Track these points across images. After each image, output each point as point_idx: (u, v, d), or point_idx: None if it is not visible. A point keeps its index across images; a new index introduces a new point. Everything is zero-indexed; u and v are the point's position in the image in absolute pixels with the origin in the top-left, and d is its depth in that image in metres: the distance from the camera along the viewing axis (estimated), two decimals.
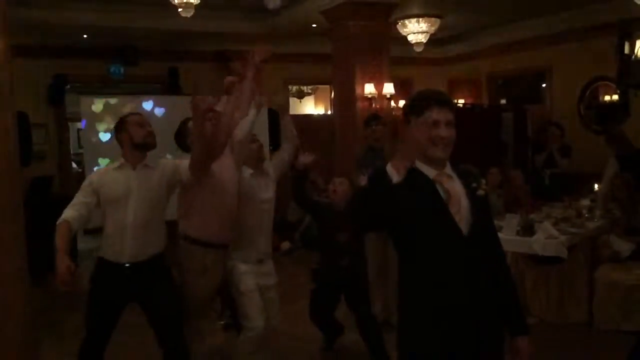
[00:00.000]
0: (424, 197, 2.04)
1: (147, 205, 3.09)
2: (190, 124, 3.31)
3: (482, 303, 2.03)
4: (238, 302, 3.56)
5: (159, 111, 6.88)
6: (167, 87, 8.97)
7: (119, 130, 3.21)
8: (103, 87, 9.15)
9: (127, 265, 3.05)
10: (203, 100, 2.97)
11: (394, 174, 1.94)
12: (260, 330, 3.50)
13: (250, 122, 3.42)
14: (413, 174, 2.04)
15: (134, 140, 3.15)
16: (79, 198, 3.07)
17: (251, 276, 3.56)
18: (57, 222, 2.93)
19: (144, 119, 3.23)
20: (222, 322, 4.96)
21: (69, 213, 2.98)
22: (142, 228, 3.06)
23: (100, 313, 3.11)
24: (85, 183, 3.14)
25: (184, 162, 3.20)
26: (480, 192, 2.11)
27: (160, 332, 3.13)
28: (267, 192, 3.72)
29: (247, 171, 3.63)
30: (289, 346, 4.52)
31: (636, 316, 4.51)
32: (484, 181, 2.14)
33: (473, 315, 2.01)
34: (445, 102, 2.07)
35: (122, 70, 8.78)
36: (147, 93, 7.88)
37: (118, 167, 3.18)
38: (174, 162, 3.28)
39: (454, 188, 2.08)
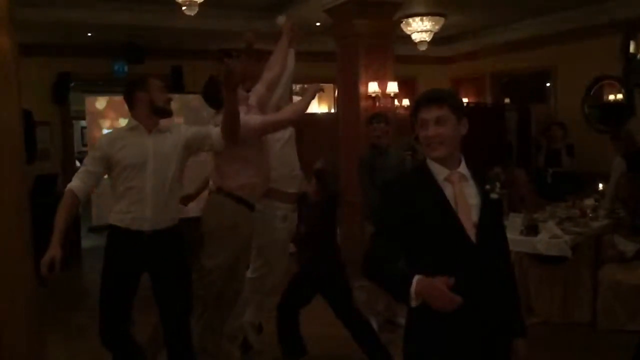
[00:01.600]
0: (431, 200, 1.99)
1: (165, 170, 3.02)
2: (219, 77, 3.24)
3: (490, 312, 1.99)
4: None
5: None
6: (171, 85, 8.98)
7: (137, 88, 3.07)
8: (107, 85, 9.16)
9: (147, 232, 2.96)
10: (235, 66, 2.97)
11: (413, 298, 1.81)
12: None
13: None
14: (423, 174, 2.03)
15: (156, 103, 3.05)
16: (87, 167, 2.99)
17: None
18: (65, 189, 2.94)
19: (164, 86, 3.17)
20: None
21: (75, 183, 2.93)
22: (162, 193, 2.99)
23: (119, 285, 3.00)
24: (95, 151, 3.06)
25: (215, 129, 3.15)
26: (494, 195, 2.04)
27: (165, 310, 3.07)
28: None
29: None
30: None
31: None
32: (498, 184, 2.06)
33: (480, 323, 1.97)
34: (433, 99, 2.01)
35: (126, 68, 8.80)
36: None
37: (130, 129, 3.08)
38: (199, 130, 3.21)
39: (464, 190, 2.01)
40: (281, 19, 4.54)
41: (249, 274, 3.89)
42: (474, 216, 1.99)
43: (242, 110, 3.22)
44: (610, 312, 4.75)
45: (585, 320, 4.89)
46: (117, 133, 3.15)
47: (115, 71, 8.78)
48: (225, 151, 3.23)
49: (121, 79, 8.81)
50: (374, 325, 4.91)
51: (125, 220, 2.97)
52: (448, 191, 2.00)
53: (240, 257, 3.42)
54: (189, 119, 6.48)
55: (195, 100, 6.70)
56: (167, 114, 3.12)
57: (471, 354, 1.99)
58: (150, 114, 3.06)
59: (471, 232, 1.97)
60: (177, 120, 6.60)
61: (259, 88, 3.63)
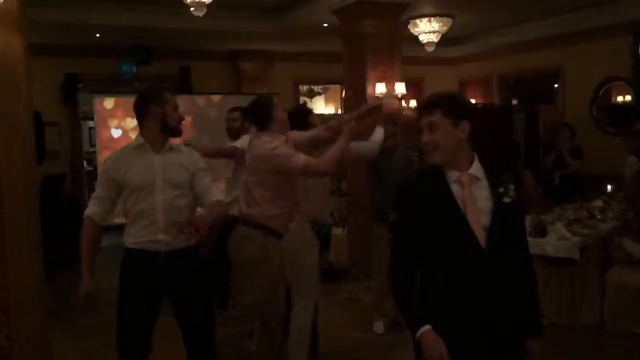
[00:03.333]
0: (441, 202, 1.99)
1: (174, 190, 2.86)
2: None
3: (498, 317, 1.97)
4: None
5: None
6: (179, 86, 9.02)
7: (151, 102, 2.88)
8: (115, 86, 9.21)
9: (163, 253, 2.83)
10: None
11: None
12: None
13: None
14: (436, 175, 2.02)
15: (168, 122, 2.89)
16: (99, 191, 2.89)
17: None
18: (83, 217, 2.86)
19: (177, 105, 2.99)
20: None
21: (91, 209, 2.86)
22: (173, 214, 2.84)
23: (138, 310, 2.84)
24: (103, 173, 2.93)
25: (215, 191, 2.98)
26: (506, 199, 1.98)
27: (187, 332, 2.95)
28: None
29: None
30: None
31: None
32: (512, 187, 1.99)
33: (488, 328, 1.96)
34: (426, 105, 2.04)
35: (134, 69, 8.84)
36: None
37: (136, 147, 2.89)
38: (202, 183, 2.96)
39: (474, 193, 1.99)
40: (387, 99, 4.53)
41: None
42: (485, 219, 1.96)
43: (285, 143, 3.21)
44: (617, 314, 4.73)
45: (592, 322, 4.87)
46: (121, 154, 2.95)
47: (123, 72, 8.83)
48: (260, 177, 3.18)
49: (129, 79, 8.86)
50: (381, 326, 4.91)
51: (139, 243, 2.85)
52: (458, 193, 1.99)
53: (278, 282, 3.31)
54: (196, 119, 6.52)
55: (202, 101, 6.74)
56: (178, 134, 2.97)
57: (480, 356, 1.99)
58: (160, 132, 2.89)
59: (481, 236, 1.95)
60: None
61: (299, 138, 3.41)
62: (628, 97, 7.88)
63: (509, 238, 2.02)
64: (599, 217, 5.24)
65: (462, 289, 1.97)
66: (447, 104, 2.02)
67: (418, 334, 1.94)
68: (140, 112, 2.91)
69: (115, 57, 8.76)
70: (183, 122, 3.01)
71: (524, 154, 8.55)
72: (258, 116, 3.30)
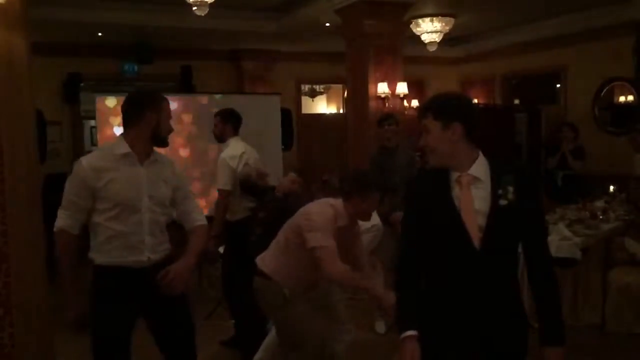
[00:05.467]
0: (440, 201, 1.99)
1: (159, 206, 2.65)
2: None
3: (493, 321, 1.96)
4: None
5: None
6: (180, 85, 9.02)
7: (148, 106, 2.61)
8: (117, 85, 9.22)
9: (145, 267, 2.59)
10: None
11: None
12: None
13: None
14: (441, 173, 2.02)
15: (161, 132, 2.65)
16: (72, 199, 2.54)
17: None
18: (55, 230, 2.56)
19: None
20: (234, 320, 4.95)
21: (64, 221, 2.54)
22: (157, 229, 2.65)
23: (118, 327, 2.60)
24: (77, 180, 2.53)
25: (198, 214, 2.82)
26: (503, 201, 1.92)
27: (170, 345, 2.76)
28: None
29: None
30: None
31: None
32: (511, 188, 1.92)
33: (484, 332, 1.96)
34: (420, 109, 2.08)
35: (136, 68, 8.85)
36: (161, 91, 7.89)
37: (121, 156, 2.57)
38: (185, 197, 2.79)
39: (472, 193, 1.96)
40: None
41: None
42: (482, 221, 1.93)
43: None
44: (619, 315, 4.72)
45: (594, 323, 4.86)
46: (103, 160, 2.56)
47: (125, 71, 8.85)
48: (290, 246, 3.09)
49: (131, 78, 8.86)
50: (383, 325, 4.93)
51: (117, 256, 2.56)
52: (457, 194, 1.98)
53: (319, 315, 3.26)
54: (198, 118, 6.53)
55: (204, 99, 6.74)
56: (166, 145, 2.70)
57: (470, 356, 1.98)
58: (149, 140, 2.62)
59: (476, 238, 1.93)
60: (186, 118, 6.64)
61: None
62: (630, 97, 7.88)
63: (506, 241, 1.97)
64: (601, 217, 5.24)
65: (456, 291, 1.97)
66: (437, 107, 2.01)
67: (401, 337, 2.00)
68: (132, 116, 2.61)
69: (117, 56, 8.77)
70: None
71: (527, 154, 8.55)
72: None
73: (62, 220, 2.56)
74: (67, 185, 2.58)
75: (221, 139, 4.53)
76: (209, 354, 4.58)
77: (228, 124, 4.48)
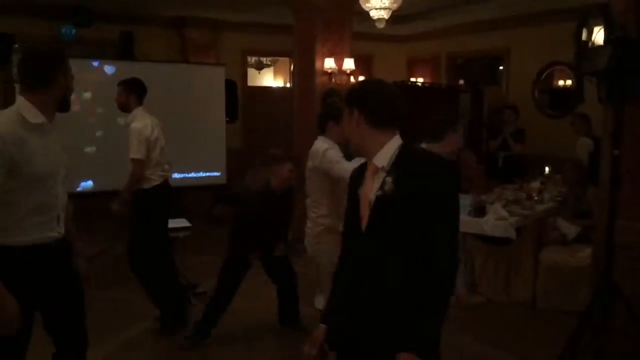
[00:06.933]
0: (352, 191, 2.05)
1: (64, 174, 2.48)
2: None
3: (378, 303, 1.90)
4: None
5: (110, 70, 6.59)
6: (120, 52, 8.67)
7: (59, 66, 2.37)
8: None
9: (57, 241, 2.43)
10: None
11: None
12: None
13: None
14: (364, 164, 2.05)
15: (67, 96, 2.45)
16: None
17: None
18: None
19: None
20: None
21: None
22: (64, 197, 2.49)
23: (27, 325, 2.37)
24: None
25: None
26: (378, 192, 1.89)
27: (58, 331, 2.58)
28: None
29: None
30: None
31: (577, 297, 4.65)
32: (389, 179, 1.86)
33: (369, 312, 1.92)
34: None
35: (74, 32, 8.43)
36: (99, 57, 7.57)
37: (37, 126, 2.33)
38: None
39: (372, 183, 1.94)
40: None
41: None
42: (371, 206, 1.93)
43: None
44: (548, 293, 4.91)
45: (526, 300, 5.04)
46: (19, 129, 2.27)
47: (62, 34, 8.41)
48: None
49: (69, 42, 8.44)
50: (322, 300, 4.94)
51: (30, 234, 2.34)
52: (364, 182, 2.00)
53: None
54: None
55: (146, 68, 6.51)
56: (68, 110, 2.50)
57: (362, 342, 1.97)
58: (54, 106, 2.40)
59: (364, 222, 1.94)
60: None
61: None
62: (569, 81, 8.10)
63: (388, 232, 1.88)
64: (536, 198, 5.39)
65: (349, 271, 2.03)
66: (346, 94, 2.03)
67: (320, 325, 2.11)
68: (42, 77, 2.33)
69: (55, 18, 8.32)
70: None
71: (469, 134, 8.68)
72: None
73: None
74: None
75: (125, 108, 4.46)
76: (141, 329, 4.51)
77: (132, 93, 4.44)
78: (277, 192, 4.20)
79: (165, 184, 4.50)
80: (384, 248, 1.89)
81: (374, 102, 1.94)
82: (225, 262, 4.29)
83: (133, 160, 4.29)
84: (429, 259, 1.83)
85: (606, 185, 3.38)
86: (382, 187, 1.88)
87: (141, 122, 4.33)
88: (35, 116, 2.33)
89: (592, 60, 3.26)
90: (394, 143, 1.94)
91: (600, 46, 3.34)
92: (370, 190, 1.93)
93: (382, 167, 1.91)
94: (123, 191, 4.34)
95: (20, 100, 2.35)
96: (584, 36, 3.41)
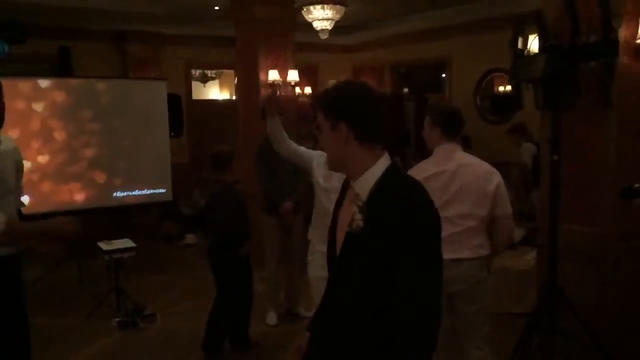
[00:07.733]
0: (335, 211, 1.82)
1: (8, 195, 2.45)
2: None
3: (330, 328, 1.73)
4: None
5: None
6: (58, 68, 8.38)
7: None
8: None
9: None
10: None
11: None
12: None
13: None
14: (346, 181, 1.81)
15: (3, 111, 2.45)
16: None
17: None
18: None
19: None
20: (117, 320, 4.76)
21: None
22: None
23: None
24: None
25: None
26: (347, 228, 1.62)
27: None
28: None
29: None
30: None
31: (526, 300, 4.74)
32: (359, 217, 1.58)
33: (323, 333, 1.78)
34: (314, 103, 1.90)
35: (6, 48, 8.09)
36: (35, 74, 7.29)
37: None
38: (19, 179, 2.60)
39: (350, 209, 1.64)
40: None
41: None
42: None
43: None
44: (498, 296, 4.97)
45: None
46: None
47: None
48: None
49: (1, 59, 8.11)
50: (274, 317, 4.89)
51: None
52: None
53: None
54: (79, 105, 6.10)
55: (84, 85, 6.31)
56: (1, 125, 2.49)
57: None
58: None
59: (339, 246, 1.70)
60: (68, 102, 6.16)
61: None
62: (509, 87, 8.32)
63: (352, 268, 1.62)
64: None
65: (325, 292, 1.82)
66: (326, 102, 1.65)
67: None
68: None
69: None
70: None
71: (415, 142, 8.80)
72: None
73: None
74: None
75: None
76: (88, 355, 4.34)
77: None
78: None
79: None
80: (348, 289, 1.64)
81: (364, 115, 1.61)
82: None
83: None
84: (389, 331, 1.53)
85: (547, 190, 3.45)
86: (350, 223, 1.61)
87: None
88: None
89: (528, 67, 3.34)
90: (381, 166, 1.62)
91: (535, 54, 3.42)
92: (346, 218, 1.65)
93: (359, 196, 1.62)
94: None
95: None
96: (519, 44, 3.49)
